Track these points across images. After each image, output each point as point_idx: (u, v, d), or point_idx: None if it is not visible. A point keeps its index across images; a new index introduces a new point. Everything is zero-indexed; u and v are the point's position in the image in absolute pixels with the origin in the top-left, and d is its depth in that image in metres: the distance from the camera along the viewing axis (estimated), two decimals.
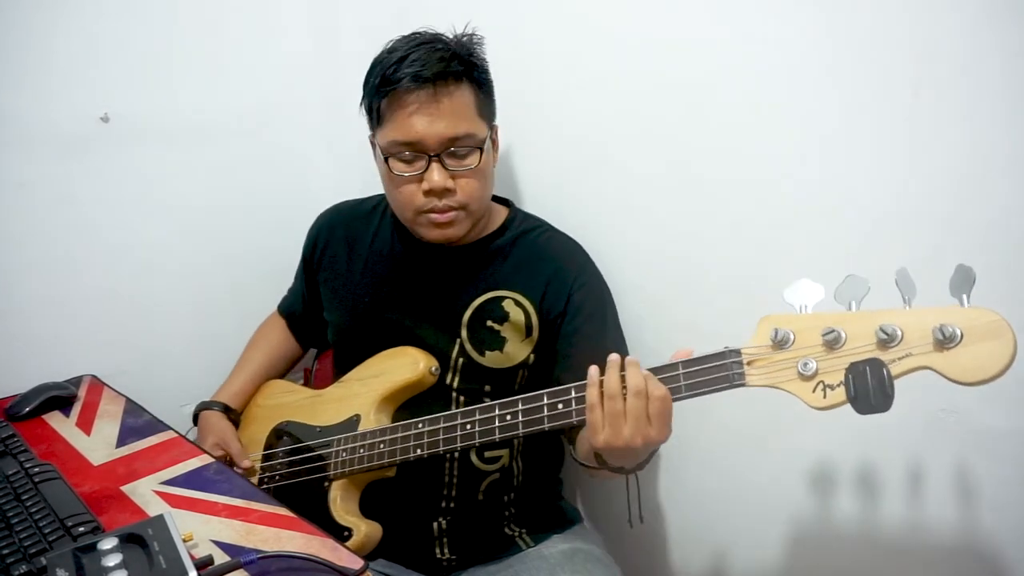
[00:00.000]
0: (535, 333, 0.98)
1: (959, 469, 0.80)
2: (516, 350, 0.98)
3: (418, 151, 0.91)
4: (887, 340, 0.57)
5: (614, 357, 0.72)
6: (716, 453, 1.03)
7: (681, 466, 1.08)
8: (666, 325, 1.03)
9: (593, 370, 0.73)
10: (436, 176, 0.90)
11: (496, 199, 1.07)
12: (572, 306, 0.98)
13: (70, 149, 1.12)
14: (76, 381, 1.11)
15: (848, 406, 0.59)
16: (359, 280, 1.06)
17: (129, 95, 1.16)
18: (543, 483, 1.07)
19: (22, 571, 0.66)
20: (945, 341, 0.55)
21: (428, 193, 0.92)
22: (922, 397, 0.78)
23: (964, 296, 0.56)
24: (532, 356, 0.99)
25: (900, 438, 0.83)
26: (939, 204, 0.75)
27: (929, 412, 0.80)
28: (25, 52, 1.07)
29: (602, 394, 0.71)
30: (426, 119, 0.89)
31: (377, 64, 0.93)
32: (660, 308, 1.04)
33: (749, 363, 0.64)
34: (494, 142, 0.99)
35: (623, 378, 0.70)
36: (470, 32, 0.96)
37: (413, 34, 0.95)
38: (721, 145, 0.92)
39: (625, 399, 0.70)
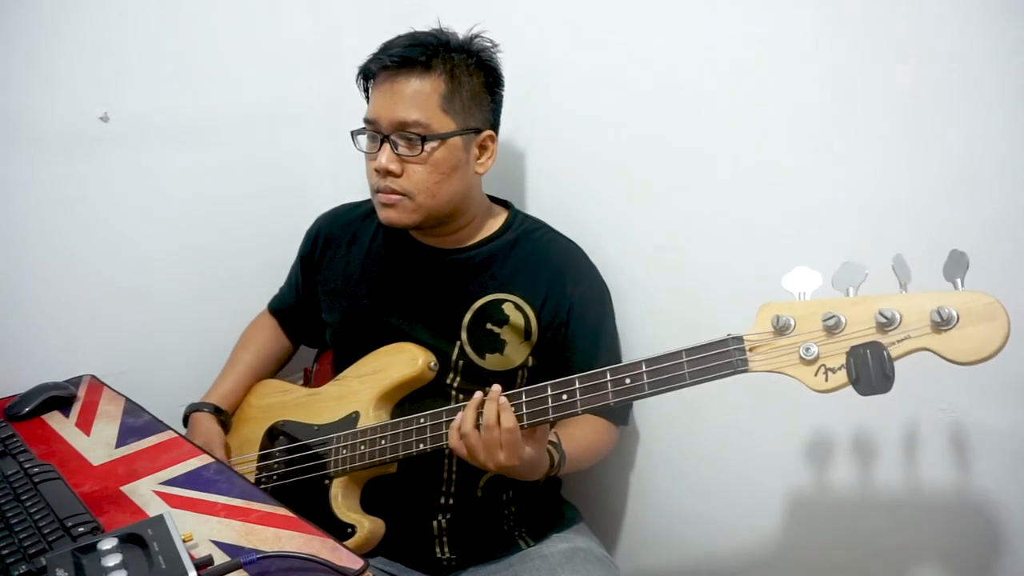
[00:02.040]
0: (534, 337, 0.99)
1: (958, 468, 0.80)
2: (516, 353, 0.99)
3: (375, 131, 0.94)
4: (886, 324, 0.58)
5: (477, 395, 0.81)
6: (715, 452, 1.03)
7: (680, 465, 1.08)
8: (668, 323, 1.03)
9: (458, 416, 0.82)
10: (383, 157, 0.92)
11: (496, 201, 1.07)
12: (573, 314, 0.98)
13: (70, 149, 1.12)
14: (76, 381, 1.10)
15: (850, 388, 0.60)
16: (357, 282, 1.06)
17: (129, 95, 1.16)
18: (542, 481, 1.07)
19: (22, 571, 0.65)
20: (942, 323, 0.56)
21: (376, 172, 0.94)
22: (921, 396, 0.79)
23: (958, 280, 0.57)
24: (531, 359, 0.99)
25: (899, 437, 0.83)
26: (936, 203, 0.76)
27: (928, 411, 0.80)
28: (25, 52, 1.07)
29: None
30: (384, 100, 0.92)
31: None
32: (661, 306, 1.04)
33: (751, 349, 0.65)
34: (484, 149, 0.98)
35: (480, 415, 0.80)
36: (477, 34, 0.97)
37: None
38: (720, 144, 0.93)
39: (480, 431, 0.79)
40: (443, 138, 0.92)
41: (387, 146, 0.92)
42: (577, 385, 0.75)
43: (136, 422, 0.98)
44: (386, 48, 0.94)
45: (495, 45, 0.98)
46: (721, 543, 1.06)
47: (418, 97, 0.91)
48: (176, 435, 0.95)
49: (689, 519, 1.10)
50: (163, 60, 1.19)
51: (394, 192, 0.94)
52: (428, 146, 0.92)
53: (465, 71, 0.94)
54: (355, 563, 0.68)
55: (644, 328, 1.05)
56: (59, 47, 1.09)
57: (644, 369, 0.70)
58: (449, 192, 0.95)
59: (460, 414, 0.82)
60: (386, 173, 0.93)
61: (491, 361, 0.98)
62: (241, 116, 1.30)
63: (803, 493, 0.94)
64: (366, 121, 0.95)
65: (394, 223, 0.96)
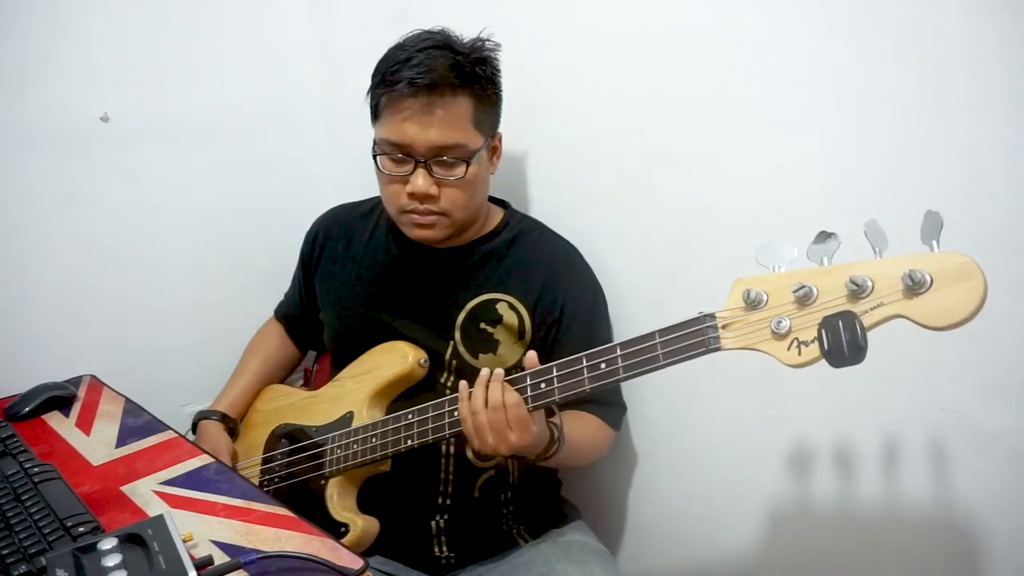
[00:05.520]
0: (528, 336, 0.98)
1: (958, 469, 0.79)
2: (509, 353, 0.98)
3: (406, 154, 0.91)
4: (858, 291, 0.56)
5: (484, 373, 0.79)
6: (715, 451, 1.02)
7: (680, 463, 1.08)
8: (663, 323, 1.02)
9: (463, 386, 0.80)
10: (420, 181, 0.90)
11: (493, 200, 1.06)
12: (566, 314, 0.98)
13: (70, 149, 1.13)
14: (76, 381, 1.11)
15: (824, 362, 0.58)
16: (354, 281, 1.06)
17: (129, 95, 1.17)
18: (541, 481, 1.06)
19: (22, 571, 0.66)
20: (915, 287, 0.54)
21: (411, 196, 0.92)
22: (921, 396, 0.78)
23: (934, 242, 0.55)
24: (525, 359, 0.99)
25: (900, 438, 0.82)
26: (938, 204, 0.73)
27: (928, 412, 0.79)
28: (25, 52, 1.08)
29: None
30: (417, 125, 0.89)
31: (384, 60, 0.93)
32: (657, 307, 1.03)
33: (724, 326, 0.63)
34: (495, 150, 0.98)
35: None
36: (484, 38, 0.94)
37: (424, 33, 0.93)
38: (719, 145, 0.91)
39: (487, 412, 0.78)
40: (475, 155, 0.91)
41: (422, 170, 0.90)
42: (555, 373, 0.75)
43: (136, 422, 0.99)
44: (406, 64, 0.88)
45: (498, 46, 0.96)
46: (723, 542, 1.05)
47: (455, 120, 0.89)
48: (176, 435, 0.96)
49: (691, 518, 1.09)
50: (163, 60, 1.20)
51: (432, 213, 0.93)
52: (472, 168, 0.91)
53: (485, 82, 0.92)
54: (355, 563, 0.68)
55: (640, 328, 1.04)
56: (59, 47, 1.10)
57: (619, 353, 0.69)
58: (478, 201, 0.97)
59: (467, 390, 0.80)
60: (425, 197, 0.91)
61: (484, 361, 0.98)
62: (241, 117, 1.31)
63: (803, 491, 0.93)
64: (393, 145, 0.91)
65: (431, 240, 0.97)
